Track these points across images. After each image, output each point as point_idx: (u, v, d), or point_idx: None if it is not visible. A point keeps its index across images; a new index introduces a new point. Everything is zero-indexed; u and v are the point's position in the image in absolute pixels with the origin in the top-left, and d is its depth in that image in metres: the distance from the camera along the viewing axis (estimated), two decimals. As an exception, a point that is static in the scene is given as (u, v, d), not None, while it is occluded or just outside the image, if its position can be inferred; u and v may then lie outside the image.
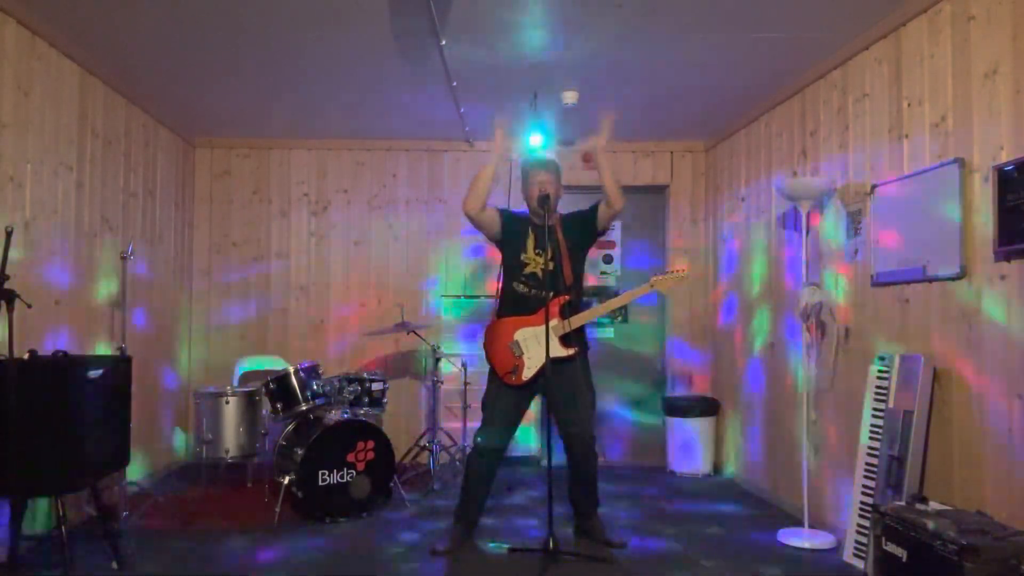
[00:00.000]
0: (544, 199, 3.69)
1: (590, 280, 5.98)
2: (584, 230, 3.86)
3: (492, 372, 3.80)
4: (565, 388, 3.69)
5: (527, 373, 3.68)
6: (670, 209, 6.03)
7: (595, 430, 3.82)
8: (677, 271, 3.78)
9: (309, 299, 5.89)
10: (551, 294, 3.61)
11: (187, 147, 5.74)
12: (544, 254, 3.71)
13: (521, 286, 3.79)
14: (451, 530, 3.78)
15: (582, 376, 3.79)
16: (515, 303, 3.78)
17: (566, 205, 4.03)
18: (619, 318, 6.02)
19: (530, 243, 3.81)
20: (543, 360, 3.59)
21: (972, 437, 2.97)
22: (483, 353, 3.85)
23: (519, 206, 5.96)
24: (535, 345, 3.67)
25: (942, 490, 3.08)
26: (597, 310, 3.86)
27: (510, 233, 3.84)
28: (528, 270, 3.80)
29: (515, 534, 3.99)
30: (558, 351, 3.64)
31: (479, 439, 3.76)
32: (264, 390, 4.65)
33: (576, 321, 3.70)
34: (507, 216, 3.89)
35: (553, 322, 3.61)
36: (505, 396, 3.75)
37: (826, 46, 3.89)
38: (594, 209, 3.83)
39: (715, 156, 5.80)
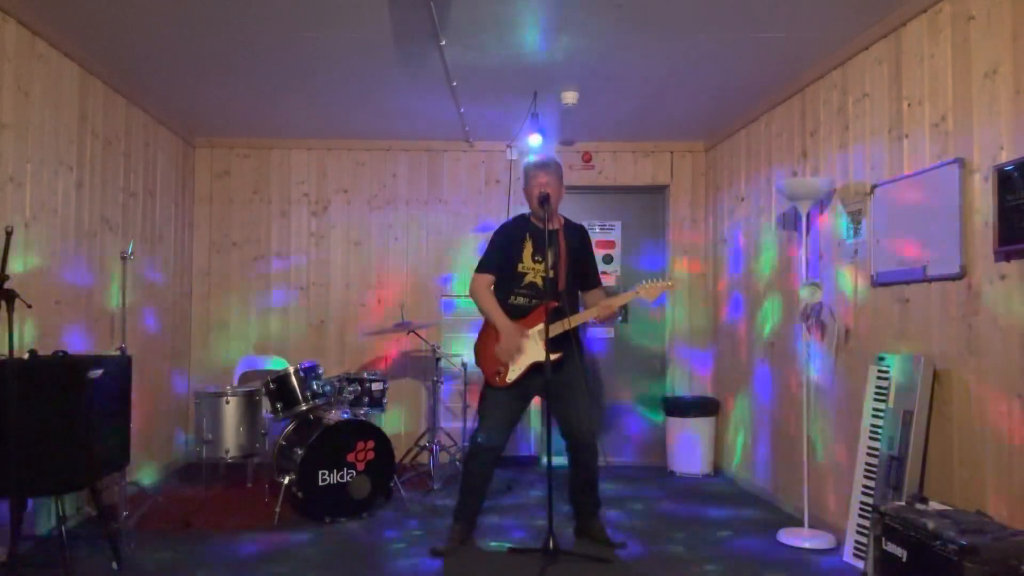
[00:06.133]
0: (544, 199, 3.67)
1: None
2: (582, 252, 3.90)
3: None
4: (563, 389, 3.70)
5: (511, 375, 3.70)
6: (670, 209, 6.03)
7: (596, 429, 3.82)
8: (664, 282, 3.78)
9: (309, 299, 5.89)
10: (546, 303, 3.62)
11: (187, 147, 5.74)
12: (544, 261, 3.71)
13: (520, 298, 3.78)
14: (450, 529, 3.79)
15: (580, 377, 3.79)
16: (510, 313, 3.76)
17: (567, 207, 4.03)
18: (620, 318, 6.02)
19: (527, 251, 3.79)
20: (527, 364, 3.67)
21: (972, 437, 2.97)
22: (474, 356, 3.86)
23: (519, 206, 5.98)
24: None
25: (942, 490, 3.08)
26: (582, 316, 3.79)
27: (505, 256, 3.81)
28: (527, 280, 3.78)
29: (515, 534, 3.99)
30: (541, 355, 3.59)
31: (478, 439, 3.76)
32: (264, 390, 4.65)
33: (555, 328, 3.60)
34: (499, 248, 3.84)
35: (538, 327, 3.64)
36: (501, 397, 3.75)
37: (826, 46, 3.89)
38: (593, 270, 3.96)
39: (715, 156, 5.80)
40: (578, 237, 3.91)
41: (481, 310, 3.82)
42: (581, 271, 3.89)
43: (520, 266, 3.78)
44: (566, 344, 3.68)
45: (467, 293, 3.91)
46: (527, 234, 3.81)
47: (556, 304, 3.66)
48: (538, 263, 3.76)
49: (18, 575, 3.03)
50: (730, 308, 5.47)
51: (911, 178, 3.35)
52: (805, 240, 4.06)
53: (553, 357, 3.56)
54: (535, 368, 3.66)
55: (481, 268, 3.85)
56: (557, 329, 3.62)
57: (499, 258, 3.82)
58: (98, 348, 4.30)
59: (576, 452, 3.79)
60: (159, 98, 4.85)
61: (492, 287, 3.82)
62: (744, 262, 5.20)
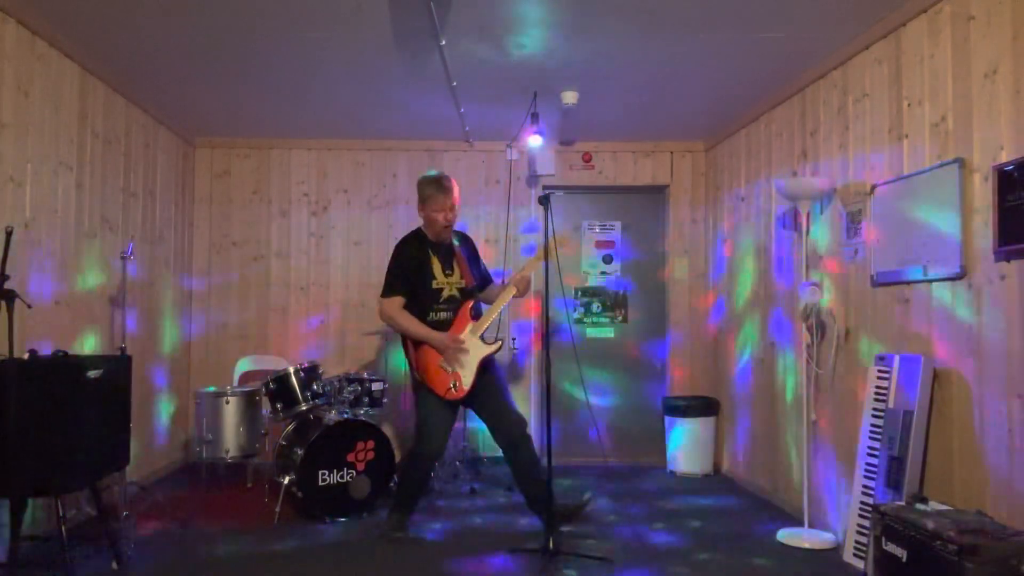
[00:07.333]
0: (545, 199, 3.76)
1: (588, 281, 6.04)
2: (475, 255, 4.14)
3: (426, 392, 3.83)
4: (497, 384, 3.91)
5: (466, 381, 3.81)
6: (670, 209, 6.03)
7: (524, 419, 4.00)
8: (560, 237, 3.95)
9: (309, 299, 5.89)
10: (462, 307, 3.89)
11: (187, 147, 5.74)
12: (453, 273, 3.92)
13: (442, 313, 3.90)
14: (399, 518, 3.90)
15: (500, 373, 4.04)
16: (435, 329, 3.85)
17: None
18: (619, 317, 6.02)
19: (436, 267, 3.90)
20: (476, 364, 3.80)
21: (972, 437, 2.97)
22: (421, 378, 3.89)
23: (519, 206, 5.99)
24: (461, 354, 3.83)
25: (942, 490, 3.08)
26: (502, 297, 3.90)
27: (414, 276, 3.87)
28: (446, 295, 3.90)
29: (515, 534, 3.99)
30: (486, 349, 3.83)
31: (428, 449, 3.84)
32: (264, 390, 4.66)
33: (484, 320, 3.84)
34: (406, 269, 3.88)
35: (469, 326, 3.84)
36: (444, 405, 3.84)
37: (826, 46, 3.89)
38: (486, 269, 4.20)
39: (715, 156, 5.80)
40: (467, 243, 4.12)
41: (404, 332, 3.89)
42: (479, 273, 4.09)
43: (434, 283, 3.89)
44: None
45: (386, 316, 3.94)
46: (428, 250, 3.93)
47: (472, 303, 3.90)
48: (448, 275, 3.91)
49: (18, 575, 3.03)
50: (730, 308, 5.47)
51: (911, 178, 3.35)
52: (805, 240, 4.06)
53: (494, 347, 3.83)
54: (482, 366, 3.82)
55: (389, 291, 3.89)
56: (488, 321, 3.84)
57: (407, 279, 3.88)
58: (97, 348, 4.30)
59: (516, 448, 3.88)
60: (159, 98, 4.85)
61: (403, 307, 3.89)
62: (744, 262, 5.19)
